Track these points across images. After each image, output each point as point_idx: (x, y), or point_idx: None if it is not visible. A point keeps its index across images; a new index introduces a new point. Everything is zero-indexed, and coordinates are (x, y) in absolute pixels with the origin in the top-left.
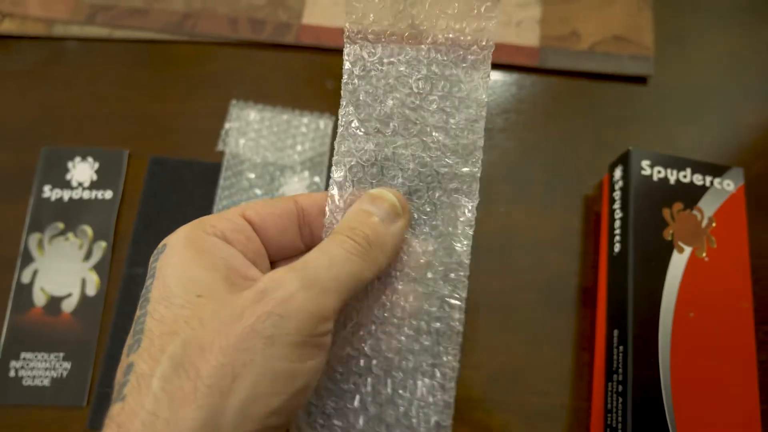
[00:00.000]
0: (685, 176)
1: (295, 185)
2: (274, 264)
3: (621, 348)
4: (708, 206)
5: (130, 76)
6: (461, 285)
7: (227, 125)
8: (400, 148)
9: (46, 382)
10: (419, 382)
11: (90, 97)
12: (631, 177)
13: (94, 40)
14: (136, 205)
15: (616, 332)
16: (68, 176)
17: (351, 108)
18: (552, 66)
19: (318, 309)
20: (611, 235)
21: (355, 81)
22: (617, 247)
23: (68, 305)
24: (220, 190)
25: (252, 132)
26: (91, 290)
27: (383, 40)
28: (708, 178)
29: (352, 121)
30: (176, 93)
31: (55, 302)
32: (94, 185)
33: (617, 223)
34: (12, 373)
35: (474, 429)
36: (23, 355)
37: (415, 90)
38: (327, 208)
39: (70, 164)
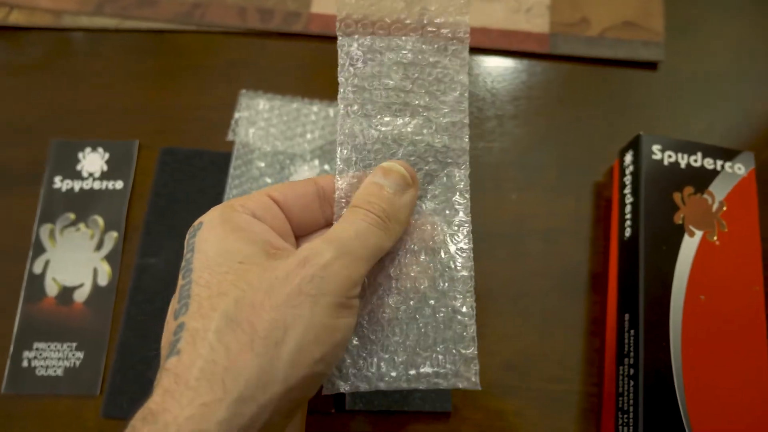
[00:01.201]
0: (695, 160)
1: (305, 174)
2: (298, 240)
3: (632, 332)
4: (719, 190)
5: (140, 66)
6: (466, 235)
7: (237, 115)
8: (398, 127)
9: (60, 372)
10: (441, 324)
11: (99, 89)
12: (641, 161)
13: (102, 31)
14: (147, 195)
15: (627, 316)
16: (79, 167)
17: (350, 94)
18: (562, 52)
19: (351, 274)
20: (622, 220)
21: (351, 69)
22: (628, 232)
23: (80, 295)
24: (231, 179)
25: (262, 121)
26: (103, 280)
27: (372, 32)
28: (719, 162)
29: (352, 104)
30: (186, 83)
31: (67, 292)
32: (104, 176)
33: (628, 208)
34: (25, 363)
35: (488, 414)
36: (36, 345)
37: (408, 75)
38: (336, 185)
39: (80, 155)
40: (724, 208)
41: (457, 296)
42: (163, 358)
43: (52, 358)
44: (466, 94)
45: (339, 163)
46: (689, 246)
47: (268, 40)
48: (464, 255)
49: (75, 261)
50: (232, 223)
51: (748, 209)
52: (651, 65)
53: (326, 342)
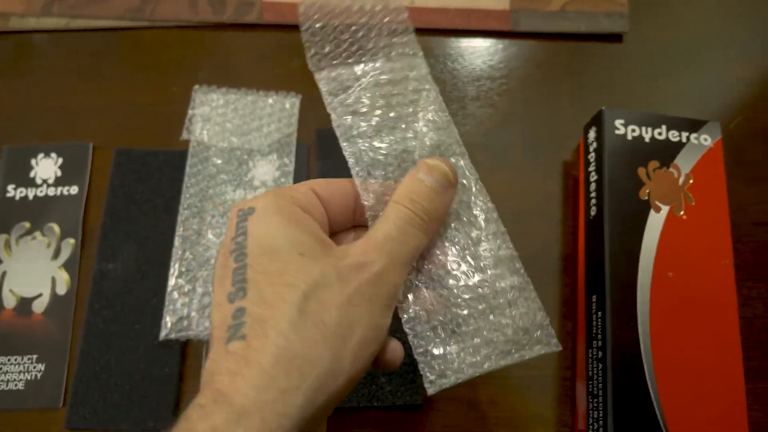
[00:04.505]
0: (660, 133)
1: (264, 168)
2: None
3: (600, 314)
4: (685, 163)
5: (92, 66)
6: (496, 219)
7: (191, 112)
8: (400, 143)
9: (21, 386)
10: (505, 302)
11: (51, 91)
12: (604, 137)
13: (52, 32)
14: (103, 199)
15: (594, 298)
16: (32, 174)
17: (343, 120)
18: (524, 29)
19: (398, 280)
20: (587, 199)
21: (337, 98)
22: (593, 211)
23: (39, 306)
24: (187, 177)
25: (217, 117)
26: (62, 289)
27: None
28: (684, 134)
29: (349, 130)
30: (139, 81)
31: (25, 303)
32: (59, 181)
33: (593, 186)
34: None
35: (461, 404)
36: None
37: (390, 93)
38: (364, 202)
39: (33, 161)
40: (691, 181)
41: (510, 274)
42: (219, 339)
43: (13, 372)
44: (439, 95)
45: (358, 185)
46: (655, 222)
47: (222, 32)
48: (502, 236)
49: (32, 271)
50: (286, 213)
51: (716, 181)
52: (616, 37)
53: (379, 338)
